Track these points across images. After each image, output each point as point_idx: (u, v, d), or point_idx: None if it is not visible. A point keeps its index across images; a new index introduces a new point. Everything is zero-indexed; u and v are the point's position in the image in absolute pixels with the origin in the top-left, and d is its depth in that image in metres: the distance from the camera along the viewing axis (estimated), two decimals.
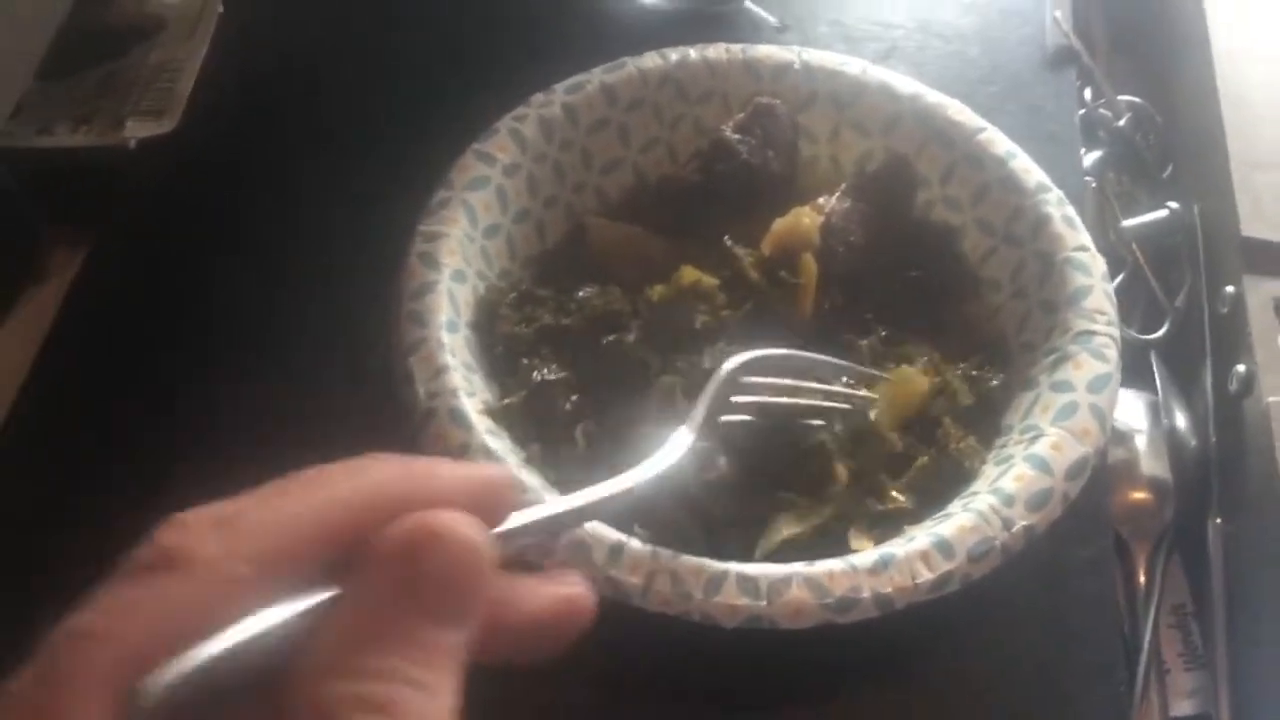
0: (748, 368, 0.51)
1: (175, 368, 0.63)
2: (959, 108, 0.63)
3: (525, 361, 0.56)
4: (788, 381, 0.53)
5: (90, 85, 0.75)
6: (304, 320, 0.64)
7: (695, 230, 0.62)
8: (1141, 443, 0.66)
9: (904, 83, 0.65)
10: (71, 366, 0.64)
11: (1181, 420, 0.67)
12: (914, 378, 0.55)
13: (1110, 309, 0.56)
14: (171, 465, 0.57)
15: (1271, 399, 0.60)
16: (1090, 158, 0.76)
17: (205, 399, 0.62)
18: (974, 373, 0.58)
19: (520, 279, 0.61)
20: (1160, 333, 0.71)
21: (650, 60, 0.65)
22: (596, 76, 0.64)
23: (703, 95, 0.65)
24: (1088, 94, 0.79)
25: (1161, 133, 0.78)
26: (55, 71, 0.76)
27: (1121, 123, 0.77)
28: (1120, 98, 0.78)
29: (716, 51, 0.65)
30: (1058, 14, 0.78)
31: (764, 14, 0.79)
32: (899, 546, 0.49)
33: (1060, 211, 0.59)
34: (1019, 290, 0.60)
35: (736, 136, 0.62)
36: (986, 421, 0.56)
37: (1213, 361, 0.66)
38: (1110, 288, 0.57)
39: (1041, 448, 0.52)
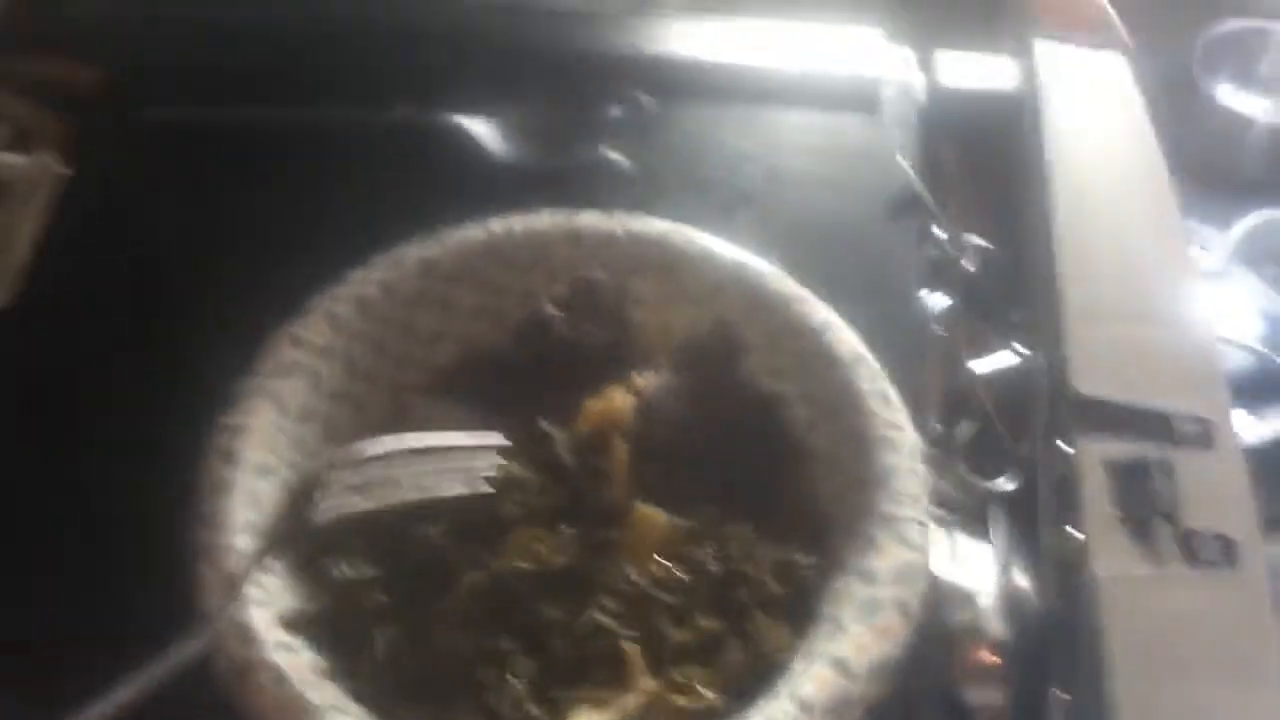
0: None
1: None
2: (779, 276, 0.63)
3: (327, 559, 0.55)
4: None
5: None
6: (124, 512, 0.62)
7: (519, 407, 0.61)
8: (986, 602, 0.66)
9: (727, 250, 0.65)
10: None
11: (1023, 580, 0.66)
12: (653, 516, 0.55)
13: (919, 490, 0.56)
14: None
15: (1099, 573, 0.60)
16: (939, 301, 0.76)
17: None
18: (788, 558, 0.57)
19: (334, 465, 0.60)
20: (1006, 483, 0.70)
21: (471, 232, 0.64)
22: (414, 251, 0.63)
23: (527, 265, 0.65)
24: (937, 233, 0.79)
25: (1010, 275, 0.78)
26: None
27: (969, 264, 0.77)
28: (968, 238, 0.78)
29: (540, 221, 0.65)
30: (900, 158, 0.78)
31: (617, 163, 0.79)
32: None
33: (873, 386, 0.59)
34: (837, 466, 0.59)
35: (554, 313, 0.62)
36: (800, 607, 0.55)
37: (1051, 522, 0.66)
38: (920, 466, 0.57)
39: (843, 647, 0.51)
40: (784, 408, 0.62)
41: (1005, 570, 0.66)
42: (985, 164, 0.82)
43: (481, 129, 0.79)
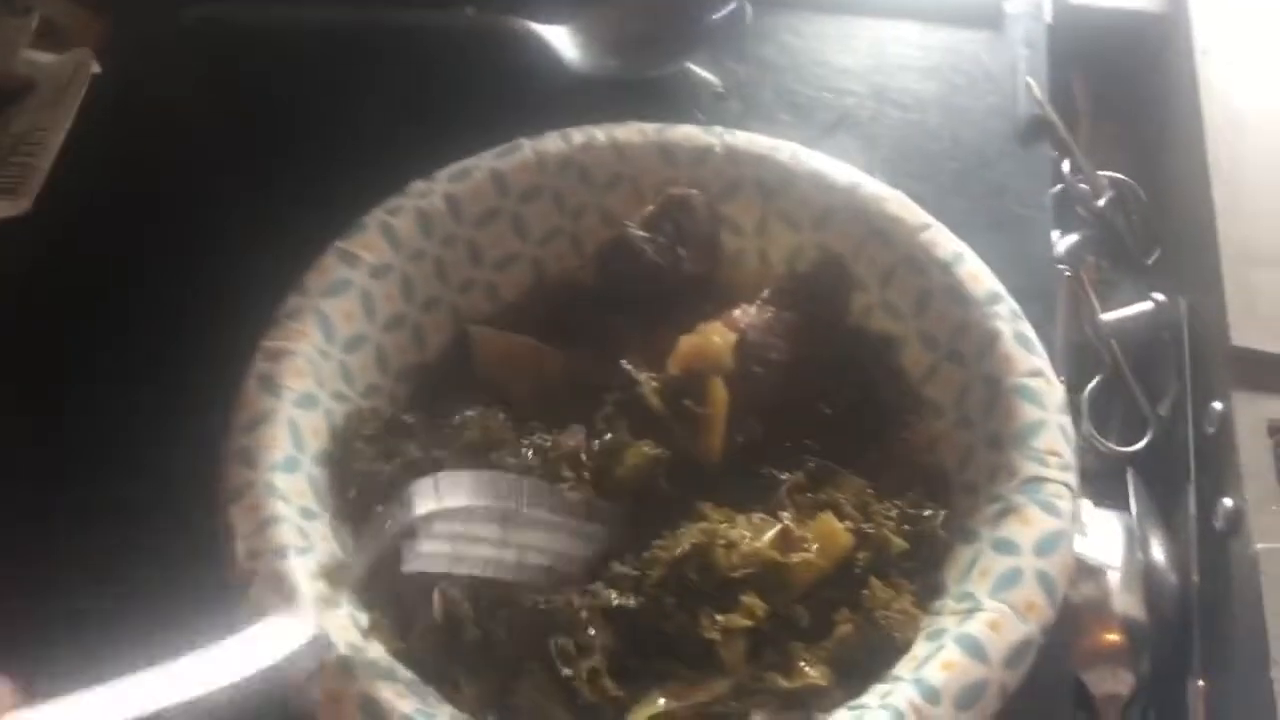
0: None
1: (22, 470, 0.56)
2: (901, 201, 0.55)
3: (380, 509, 0.47)
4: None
5: None
6: (159, 431, 0.56)
7: (595, 341, 0.54)
8: (1115, 577, 0.58)
9: (840, 171, 0.56)
10: None
11: (1160, 553, 0.58)
12: (836, 532, 0.47)
13: (1065, 450, 0.48)
14: None
15: (1261, 545, 0.52)
16: (1066, 241, 0.68)
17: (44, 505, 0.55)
18: (910, 511, 0.49)
19: (390, 398, 0.53)
20: (1140, 445, 0.62)
21: (550, 143, 0.57)
22: (486, 161, 0.56)
23: (610, 181, 0.57)
24: (1065, 167, 0.70)
25: (1147, 213, 0.69)
26: None
27: (1102, 201, 0.69)
28: (1101, 173, 0.70)
29: (627, 133, 0.57)
30: (1030, 80, 0.70)
31: (706, 77, 0.71)
32: None
33: (1012, 328, 0.51)
34: (963, 418, 0.51)
35: (642, 234, 0.54)
36: (923, 575, 0.48)
37: (1197, 488, 0.58)
38: (1067, 422, 0.49)
39: (976, 626, 0.43)
40: (899, 351, 0.54)
41: (1139, 543, 0.59)
42: (1121, 90, 0.74)
43: (557, 36, 0.71)
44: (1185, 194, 0.66)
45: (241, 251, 0.61)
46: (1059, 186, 0.69)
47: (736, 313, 0.53)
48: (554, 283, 0.58)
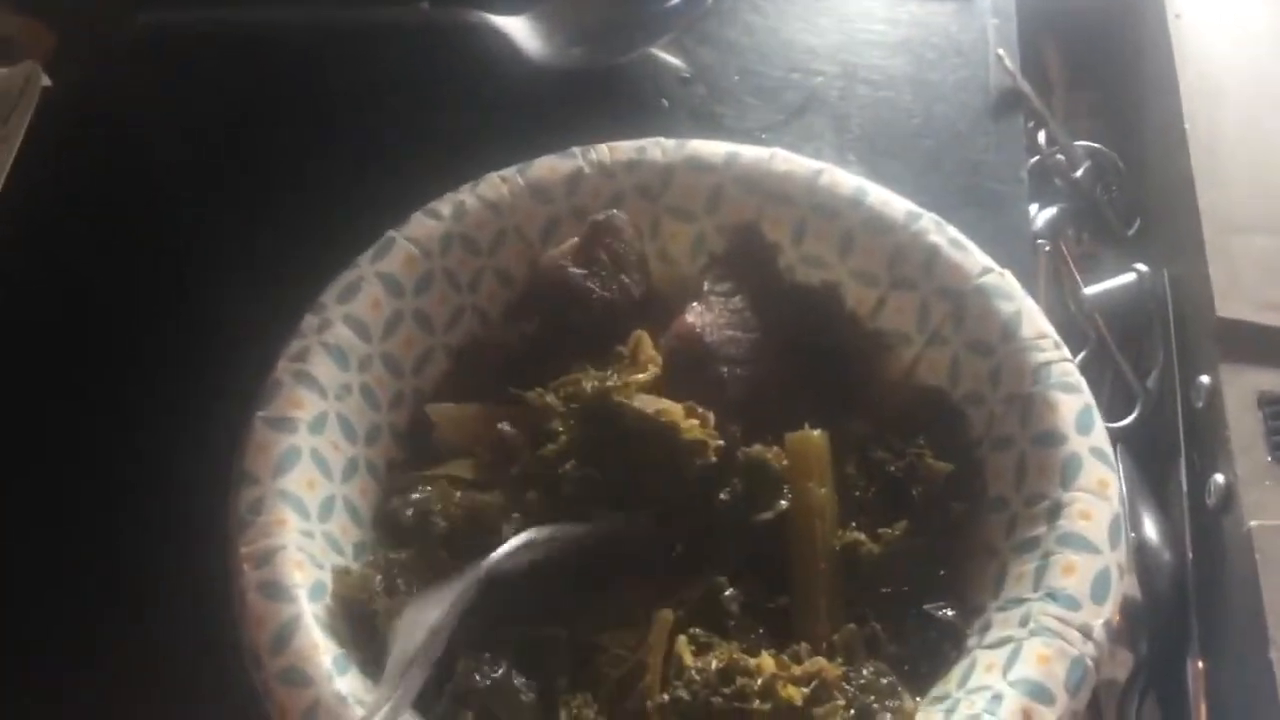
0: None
1: None
2: (785, 156, 0.54)
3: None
4: None
5: None
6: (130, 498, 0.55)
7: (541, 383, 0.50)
8: None
9: (713, 149, 0.55)
10: None
11: (1152, 530, 0.57)
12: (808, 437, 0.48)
13: (1049, 328, 0.49)
14: None
15: (1254, 523, 0.51)
16: (1045, 214, 0.66)
17: None
18: (938, 439, 0.49)
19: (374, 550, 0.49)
20: (1129, 420, 0.61)
21: (419, 226, 0.53)
22: (367, 268, 0.51)
23: (494, 241, 0.54)
24: (1041, 138, 0.69)
25: (1126, 183, 0.68)
26: None
27: (1079, 173, 0.67)
28: (1078, 143, 0.68)
29: (491, 188, 0.54)
30: (1001, 51, 0.68)
31: (672, 62, 0.70)
32: (974, 700, 0.41)
33: (945, 237, 0.51)
34: (934, 336, 0.51)
35: (579, 271, 0.51)
36: (968, 495, 0.48)
37: (1187, 463, 0.57)
38: (1032, 303, 0.50)
39: (1070, 521, 0.44)
40: (840, 296, 0.54)
41: (1130, 520, 0.57)
42: (1096, 58, 0.72)
43: (517, 27, 0.69)
44: (1163, 162, 0.65)
45: (204, 266, 0.60)
46: (1035, 159, 0.68)
47: (689, 318, 0.50)
48: (470, 359, 0.54)
